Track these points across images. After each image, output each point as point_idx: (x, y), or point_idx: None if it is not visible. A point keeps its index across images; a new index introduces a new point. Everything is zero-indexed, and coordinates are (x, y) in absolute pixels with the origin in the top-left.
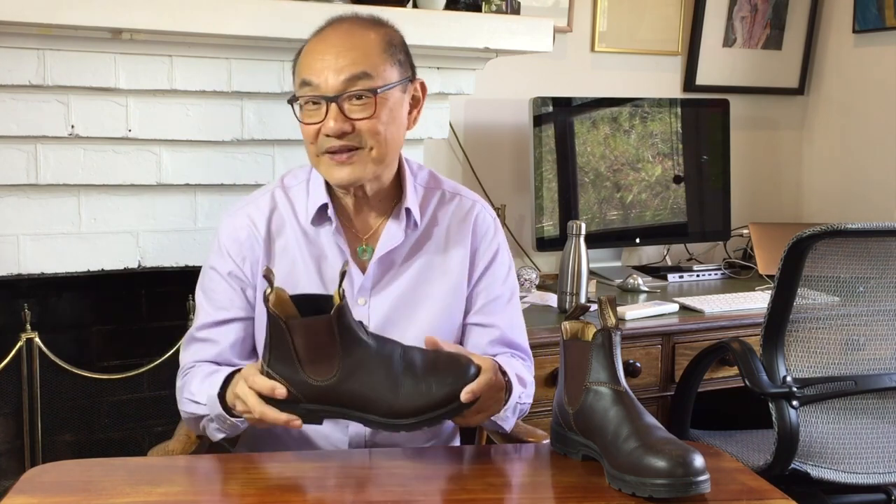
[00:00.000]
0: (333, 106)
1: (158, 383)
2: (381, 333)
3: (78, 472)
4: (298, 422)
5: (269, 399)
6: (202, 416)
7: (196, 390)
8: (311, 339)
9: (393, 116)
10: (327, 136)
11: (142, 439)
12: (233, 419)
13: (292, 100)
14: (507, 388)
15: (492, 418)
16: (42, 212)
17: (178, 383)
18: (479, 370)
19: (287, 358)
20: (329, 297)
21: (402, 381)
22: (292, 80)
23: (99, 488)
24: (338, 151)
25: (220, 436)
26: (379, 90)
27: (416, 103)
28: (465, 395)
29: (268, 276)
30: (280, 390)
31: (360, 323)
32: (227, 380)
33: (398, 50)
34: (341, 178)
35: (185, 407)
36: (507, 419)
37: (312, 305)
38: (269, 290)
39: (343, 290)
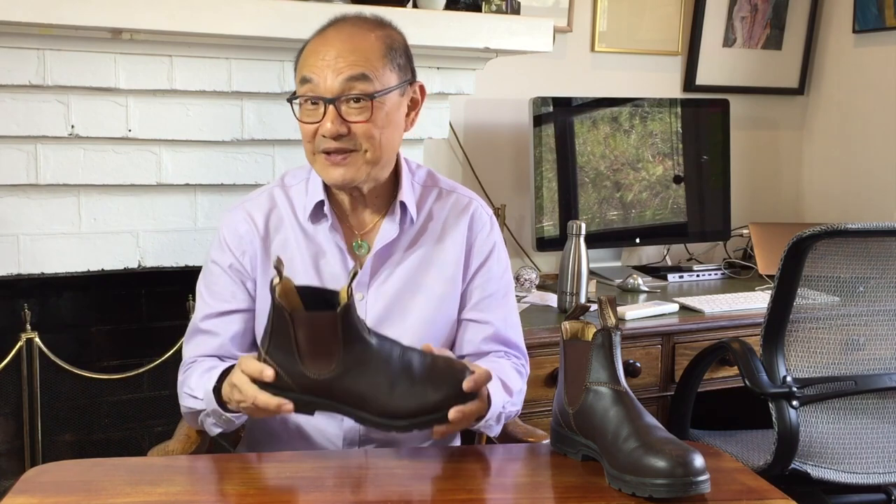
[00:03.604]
0: (331, 108)
1: (158, 383)
2: (378, 327)
3: (78, 472)
4: (290, 405)
5: (263, 385)
6: (200, 411)
7: (195, 385)
8: (313, 334)
9: (389, 120)
10: (324, 136)
11: (142, 439)
12: (227, 414)
13: (292, 98)
14: (487, 401)
15: (477, 427)
16: (42, 212)
17: (180, 378)
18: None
19: (287, 348)
20: (334, 293)
21: (398, 383)
22: (294, 77)
23: (99, 488)
24: (333, 153)
25: (217, 430)
26: (376, 95)
27: (414, 105)
28: (453, 414)
29: (278, 267)
30: (268, 372)
31: (362, 321)
32: (224, 375)
33: (399, 53)
34: (335, 179)
35: (185, 402)
36: (492, 427)
37: (317, 298)
38: (276, 281)
39: (352, 289)
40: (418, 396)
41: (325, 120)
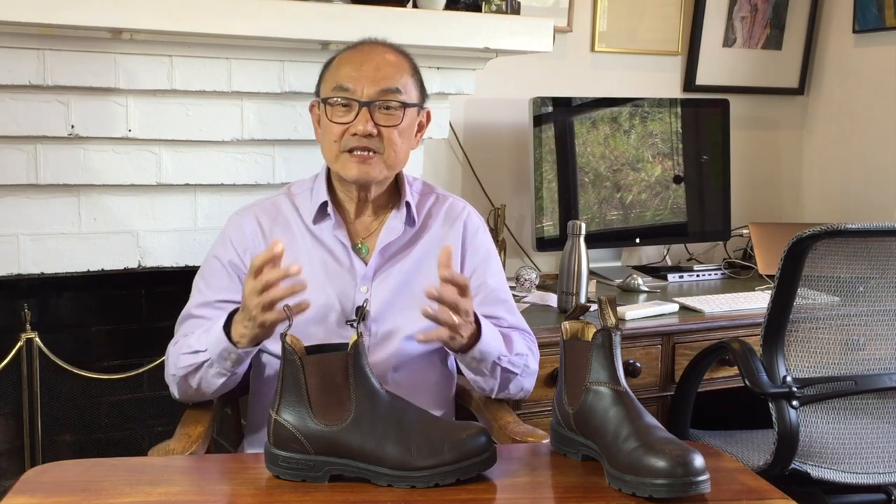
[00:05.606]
0: (365, 110)
1: (158, 383)
2: (382, 317)
3: (78, 472)
4: (297, 267)
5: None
6: (201, 364)
7: (194, 342)
8: (324, 379)
9: (409, 131)
10: (353, 135)
11: (142, 439)
12: (238, 350)
13: (325, 100)
14: (478, 331)
15: (471, 375)
16: (42, 212)
17: (170, 350)
18: (490, 441)
19: (298, 402)
20: (343, 346)
21: (414, 436)
22: (317, 83)
23: (99, 488)
24: (359, 151)
25: (220, 381)
26: (407, 104)
27: (420, 128)
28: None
29: (288, 315)
30: (278, 247)
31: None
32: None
33: (419, 77)
34: (357, 174)
35: (182, 362)
36: (486, 377)
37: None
38: (286, 328)
39: (361, 332)
40: (436, 448)
41: (359, 121)
